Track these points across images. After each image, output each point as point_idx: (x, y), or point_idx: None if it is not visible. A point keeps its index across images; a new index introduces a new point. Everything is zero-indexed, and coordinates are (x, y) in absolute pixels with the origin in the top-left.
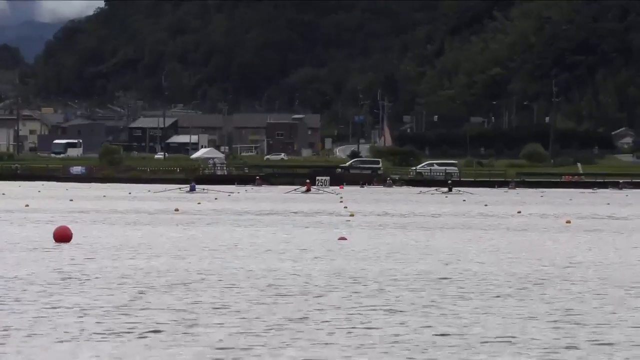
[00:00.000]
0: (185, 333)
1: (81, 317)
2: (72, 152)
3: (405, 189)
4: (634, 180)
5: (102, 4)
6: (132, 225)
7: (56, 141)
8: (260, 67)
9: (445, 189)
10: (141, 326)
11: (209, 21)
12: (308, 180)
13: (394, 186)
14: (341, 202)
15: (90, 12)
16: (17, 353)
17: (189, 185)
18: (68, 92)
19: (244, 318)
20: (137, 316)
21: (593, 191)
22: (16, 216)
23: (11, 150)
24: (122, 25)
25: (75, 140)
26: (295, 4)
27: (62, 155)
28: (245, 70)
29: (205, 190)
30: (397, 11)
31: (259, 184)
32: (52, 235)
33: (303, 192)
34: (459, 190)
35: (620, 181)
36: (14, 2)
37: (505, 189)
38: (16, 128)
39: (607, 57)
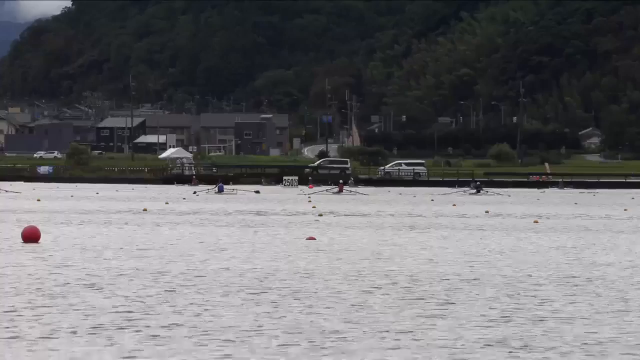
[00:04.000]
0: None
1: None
2: None
3: (372, 188)
4: (573, 180)
5: (69, 4)
6: (101, 225)
7: None
8: (227, 70)
9: (474, 190)
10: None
11: (174, 23)
12: (341, 181)
13: (359, 186)
14: (310, 202)
15: (57, 12)
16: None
17: (216, 186)
18: (35, 92)
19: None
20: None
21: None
22: None
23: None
24: (89, 26)
25: None
26: (261, 6)
27: None
28: (211, 72)
29: (235, 191)
30: (362, 14)
31: (195, 184)
32: (20, 235)
33: (335, 192)
34: (487, 192)
35: (560, 180)
36: None
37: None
38: None
39: (572, 59)
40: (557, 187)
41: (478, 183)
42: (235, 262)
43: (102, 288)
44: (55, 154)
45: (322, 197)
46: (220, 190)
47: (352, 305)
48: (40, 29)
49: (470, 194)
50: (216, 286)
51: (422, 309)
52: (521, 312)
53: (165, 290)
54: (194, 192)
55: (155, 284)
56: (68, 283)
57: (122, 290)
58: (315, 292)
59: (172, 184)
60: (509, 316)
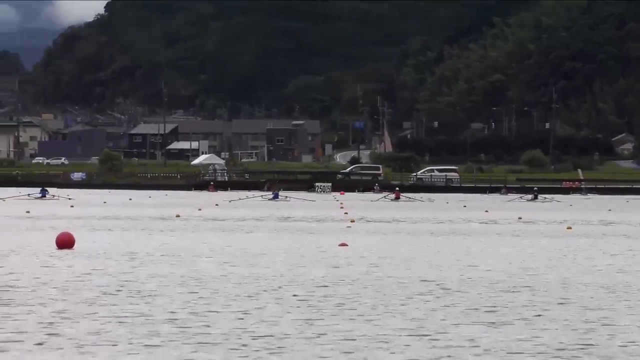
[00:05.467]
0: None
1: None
2: None
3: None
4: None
5: (101, 11)
6: (134, 231)
7: None
8: (258, 76)
9: (530, 197)
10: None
11: (205, 29)
12: (397, 188)
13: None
14: (342, 208)
15: (90, 19)
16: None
17: (272, 193)
18: (67, 99)
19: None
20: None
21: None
22: (17, 223)
23: (11, 156)
24: (121, 32)
25: None
26: (291, 12)
27: None
28: (242, 78)
29: (288, 198)
30: (391, 20)
31: (212, 190)
32: (54, 241)
33: (392, 199)
34: (545, 198)
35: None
36: (17, 8)
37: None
38: (16, 134)
39: (605, 65)
40: (581, 193)
41: (535, 189)
42: (277, 268)
43: (136, 294)
44: (63, 160)
45: (357, 203)
46: (275, 197)
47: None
48: (73, 35)
49: (527, 200)
50: (256, 291)
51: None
52: None
53: (213, 296)
54: (246, 197)
55: (201, 290)
56: (102, 289)
57: (158, 297)
58: (365, 302)
59: (202, 189)
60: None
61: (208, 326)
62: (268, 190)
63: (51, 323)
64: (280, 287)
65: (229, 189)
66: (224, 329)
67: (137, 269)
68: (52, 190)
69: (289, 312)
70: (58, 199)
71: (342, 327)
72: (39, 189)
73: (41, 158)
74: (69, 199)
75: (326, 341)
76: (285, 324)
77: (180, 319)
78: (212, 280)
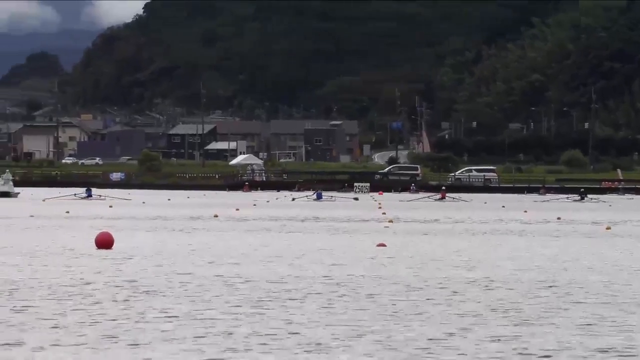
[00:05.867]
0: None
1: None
2: None
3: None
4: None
5: (140, 11)
6: (172, 231)
7: None
8: (295, 76)
9: (577, 197)
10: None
11: (242, 30)
12: (444, 188)
13: (420, 192)
14: (380, 208)
15: (129, 20)
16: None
17: (315, 193)
18: (106, 99)
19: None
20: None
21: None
22: (57, 223)
23: (51, 157)
24: (159, 33)
25: None
26: (328, 13)
27: None
28: (280, 79)
29: (333, 198)
30: (429, 20)
31: (247, 190)
32: (93, 241)
33: (437, 199)
34: (592, 199)
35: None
36: (57, 9)
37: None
38: (56, 135)
39: None
40: (618, 193)
41: (582, 190)
42: (316, 269)
43: (176, 293)
44: (97, 160)
45: (396, 203)
46: (319, 198)
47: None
48: (112, 36)
49: (574, 201)
50: (297, 291)
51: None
52: None
53: (258, 299)
54: (293, 199)
55: (243, 290)
56: (143, 289)
57: (199, 297)
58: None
59: (237, 190)
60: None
61: (255, 325)
62: (299, 190)
63: (96, 322)
64: (320, 288)
65: (258, 188)
66: (269, 329)
67: (177, 269)
68: (95, 191)
69: (330, 313)
70: (105, 199)
71: (386, 328)
72: (84, 189)
73: (71, 158)
74: (124, 199)
75: (368, 341)
76: (328, 324)
77: (224, 319)
78: (253, 280)
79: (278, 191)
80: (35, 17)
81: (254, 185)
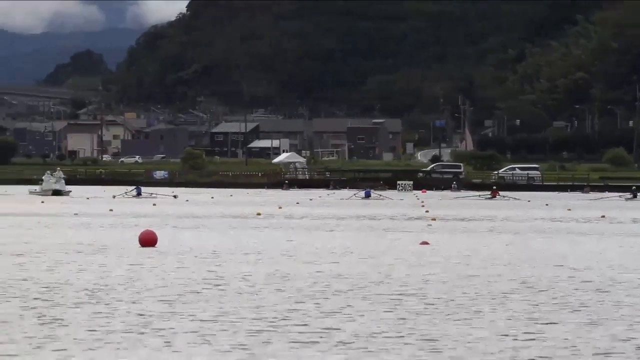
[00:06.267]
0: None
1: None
2: None
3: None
4: None
5: (184, 10)
6: (215, 229)
7: None
8: (338, 74)
9: (629, 195)
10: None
11: (285, 28)
12: (495, 187)
13: (461, 190)
14: (423, 206)
15: (172, 18)
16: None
17: (364, 192)
18: (150, 98)
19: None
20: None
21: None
22: (102, 220)
23: (95, 155)
24: (202, 31)
25: None
26: (370, 10)
27: None
28: (323, 77)
29: (382, 197)
30: (470, 18)
31: (286, 188)
32: (137, 239)
33: (488, 198)
34: None
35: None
36: (102, 9)
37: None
38: (100, 133)
39: None
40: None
41: (634, 188)
42: (363, 267)
43: (221, 292)
44: (137, 158)
45: (438, 201)
46: (367, 196)
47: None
48: (156, 35)
49: (626, 199)
50: (343, 290)
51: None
52: None
53: (303, 295)
54: (342, 198)
55: (288, 288)
56: (186, 287)
57: (243, 295)
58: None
59: (276, 188)
60: None
61: (305, 325)
62: (334, 189)
63: (146, 323)
64: (365, 286)
65: (295, 187)
66: (317, 327)
67: (220, 267)
68: (144, 189)
69: (374, 310)
70: (156, 197)
71: (433, 327)
72: (134, 187)
73: (107, 156)
74: (171, 196)
75: (414, 340)
76: (376, 322)
77: (269, 318)
78: (299, 279)
79: (317, 189)
80: (79, 16)
81: (293, 184)
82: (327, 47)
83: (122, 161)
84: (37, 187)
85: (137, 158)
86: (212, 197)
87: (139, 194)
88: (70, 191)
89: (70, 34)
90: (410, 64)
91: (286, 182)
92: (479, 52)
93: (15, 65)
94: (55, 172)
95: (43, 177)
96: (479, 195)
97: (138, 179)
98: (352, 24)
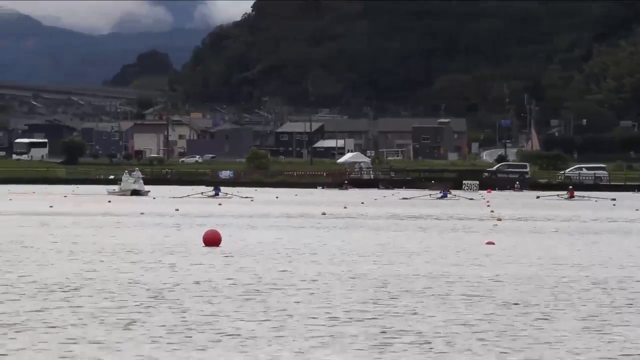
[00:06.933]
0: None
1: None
2: (36, 153)
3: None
4: None
5: (249, 10)
6: (281, 228)
7: (18, 140)
8: (403, 74)
9: None
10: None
11: (351, 28)
12: (571, 187)
13: (524, 190)
14: (488, 206)
15: (238, 19)
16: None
17: (442, 192)
18: (215, 98)
19: None
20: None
21: None
22: (168, 220)
23: (161, 155)
24: (268, 31)
25: (41, 140)
26: (437, 10)
27: (24, 157)
28: (388, 77)
29: (457, 197)
30: (538, 17)
31: (346, 188)
32: (201, 239)
33: (566, 198)
34: None
35: None
36: (170, 9)
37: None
38: (166, 133)
39: None
40: None
41: None
42: (427, 267)
43: (283, 291)
44: (197, 158)
45: (504, 201)
46: (444, 196)
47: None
48: (221, 35)
49: None
50: (415, 289)
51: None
52: None
53: (376, 291)
54: (430, 195)
55: (357, 287)
56: (252, 286)
57: (308, 295)
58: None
59: (336, 188)
60: None
61: (380, 325)
62: (385, 188)
63: (210, 323)
64: (431, 286)
65: (349, 186)
66: (393, 328)
67: (286, 267)
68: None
69: (446, 311)
70: (231, 197)
71: (508, 327)
72: (212, 188)
73: (184, 158)
74: (248, 197)
75: (491, 337)
76: (452, 322)
77: (342, 318)
78: (371, 278)
79: (378, 189)
80: (147, 16)
81: (354, 184)
82: (394, 47)
83: (182, 161)
84: (115, 187)
85: (197, 158)
86: (277, 197)
87: (217, 194)
88: (149, 191)
89: (137, 34)
90: (477, 63)
91: (345, 182)
92: (546, 51)
93: (83, 66)
94: (133, 172)
95: (121, 177)
96: (558, 196)
97: (203, 179)
98: (419, 24)
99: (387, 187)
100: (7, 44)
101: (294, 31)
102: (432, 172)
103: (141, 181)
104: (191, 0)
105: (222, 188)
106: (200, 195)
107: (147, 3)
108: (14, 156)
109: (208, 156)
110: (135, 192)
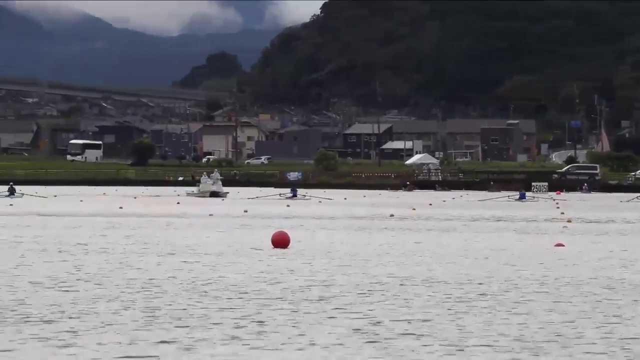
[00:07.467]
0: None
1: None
2: (90, 155)
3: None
4: None
5: (318, 11)
6: (349, 230)
7: (72, 141)
8: (472, 75)
9: None
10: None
11: (420, 29)
12: None
13: (592, 192)
14: (558, 208)
15: (307, 20)
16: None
17: (519, 194)
18: (284, 99)
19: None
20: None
21: None
22: (236, 222)
23: (230, 156)
24: (336, 33)
25: (96, 142)
26: (505, 11)
27: (79, 158)
28: (456, 78)
29: (536, 199)
30: (607, 17)
31: (411, 189)
32: (270, 240)
33: None
34: None
35: None
36: (240, 10)
37: None
38: (234, 135)
39: None
40: None
41: None
42: (501, 269)
43: (358, 294)
44: (262, 159)
45: (574, 203)
46: (522, 198)
47: None
48: (290, 36)
49: None
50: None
51: None
52: None
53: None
54: (508, 197)
55: (426, 292)
56: (325, 289)
57: (380, 297)
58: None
59: (398, 189)
60: None
61: (461, 329)
62: (410, 190)
63: (296, 325)
64: (506, 290)
65: (413, 188)
66: (473, 332)
67: (356, 269)
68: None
69: (526, 314)
70: (310, 199)
71: (585, 330)
72: (289, 189)
73: (256, 159)
74: (327, 198)
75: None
76: (533, 325)
77: (419, 319)
78: (445, 281)
79: (435, 190)
80: (218, 18)
81: (418, 185)
82: (463, 48)
83: (248, 162)
84: (194, 189)
85: (263, 159)
86: (345, 199)
87: (294, 195)
88: (228, 192)
89: (206, 36)
90: (547, 64)
91: (408, 183)
92: (616, 51)
93: (153, 68)
94: (212, 173)
95: (200, 179)
96: (637, 198)
97: (271, 181)
98: (488, 25)
99: (443, 189)
100: (77, 46)
101: (362, 32)
102: (501, 173)
103: (220, 183)
104: (261, 0)
105: (298, 190)
106: (278, 196)
107: (217, 4)
108: (68, 157)
109: (264, 157)
110: (214, 194)
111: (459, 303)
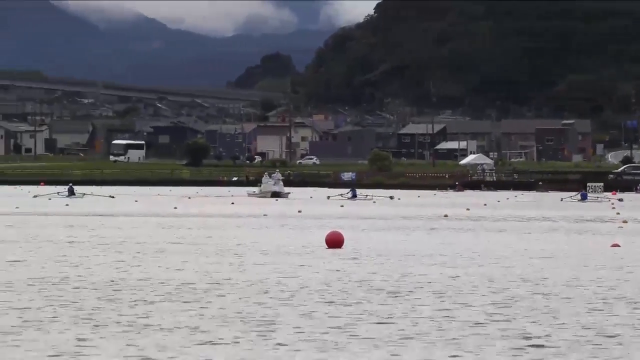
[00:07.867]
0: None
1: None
2: (133, 155)
3: None
4: None
5: (372, 11)
6: (402, 230)
7: (115, 141)
8: (526, 75)
9: None
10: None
11: (474, 29)
12: None
13: None
14: (613, 208)
15: (360, 20)
16: None
17: (579, 194)
18: (338, 99)
19: None
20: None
21: None
22: (290, 222)
23: (284, 157)
24: (390, 33)
25: (139, 142)
26: (561, 11)
27: (121, 158)
28: (511, 77)
29: (599, 199)
30: None
31: (460, 190)
32: (324, 240)
33: None
34: None
35: None
36: (295, 11)
37: None
38: (288, 135)
39: None
40: None
41: None
42: (561, 271)
43: (402, 295)
44: (314, 159)
45: (630, 203)
46: (584, 198)
47: None
48: (344, 36)
49: None
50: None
51: None
52: None
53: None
54: (562, 199)
55: (490, 292)
56: (378, 290)
57: (421, 299)
58: None
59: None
60: None
61: (525, 329)
62: (459, 190)
63: (341, 326)
64: (559, 291)
65: (463, 188)
66: (526, 331)
67: (408, 269)
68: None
69: (580, 315)
70: (372, 199)
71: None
72: (349, 190)
73: (259, 157)
74: (388, 197)
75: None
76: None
77: (478, 320)
78: (500, 281)
79: (481, 190)
80: (273, 18)
81: (466, 186)
82: (517, 48)
83: (300, 162)
84: (255, 189)
85: (315, 159)
86: (399, 199)
87: (354, 196)
88: (289, 193)
89: (260, 36)
90: (604, 63)
91: (457, 183)
92: None
93: (207, 68)
94: (273, 173)
95: (262, 179)
96: None
97: (325, 181)
98: (543, 24)
99: (489, 189)
100: (132, 47)
101: (416, 32)
102: (556, 174)
103: (281, 183)
104: (317, 0)
105: (358, 190)
106: (339, 197)
107: (272, 4)
108: (111, 157)
109: (308, 158)
110: (276, 194)
111: (513, 301)
